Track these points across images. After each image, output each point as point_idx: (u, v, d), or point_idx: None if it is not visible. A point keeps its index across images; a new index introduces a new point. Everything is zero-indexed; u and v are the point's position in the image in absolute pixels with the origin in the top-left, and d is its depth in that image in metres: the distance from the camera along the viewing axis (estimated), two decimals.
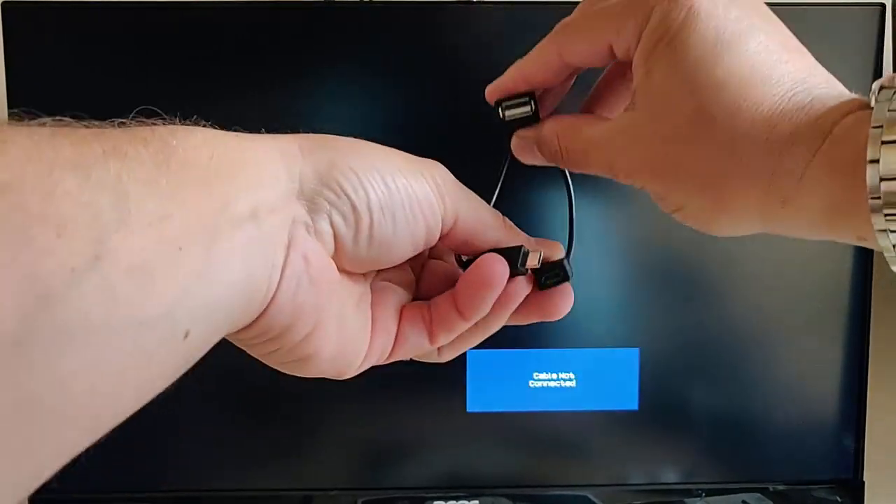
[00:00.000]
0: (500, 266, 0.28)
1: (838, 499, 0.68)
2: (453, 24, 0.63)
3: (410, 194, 0.27)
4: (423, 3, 0.64)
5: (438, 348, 0.31)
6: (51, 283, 0.17)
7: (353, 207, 0.26)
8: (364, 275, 0.30)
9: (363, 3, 0.65)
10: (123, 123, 0.23)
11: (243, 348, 0.27)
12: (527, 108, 0.31)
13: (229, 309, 0.23)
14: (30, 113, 0.22)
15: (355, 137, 0.28)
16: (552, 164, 0.32)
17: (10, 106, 0.62)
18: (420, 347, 0.30)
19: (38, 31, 0.61)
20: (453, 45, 0.63)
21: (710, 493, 0.68)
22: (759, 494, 0.68)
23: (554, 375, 0.66)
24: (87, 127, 0.22)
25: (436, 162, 0.29)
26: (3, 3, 0.61)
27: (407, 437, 0.67)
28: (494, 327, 0.30)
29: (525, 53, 0.31)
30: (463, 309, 0.29)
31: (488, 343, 0.64)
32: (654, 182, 0.27)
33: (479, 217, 0.30)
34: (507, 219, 0.31)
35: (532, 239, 0.31)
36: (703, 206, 0.26)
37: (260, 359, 0.28)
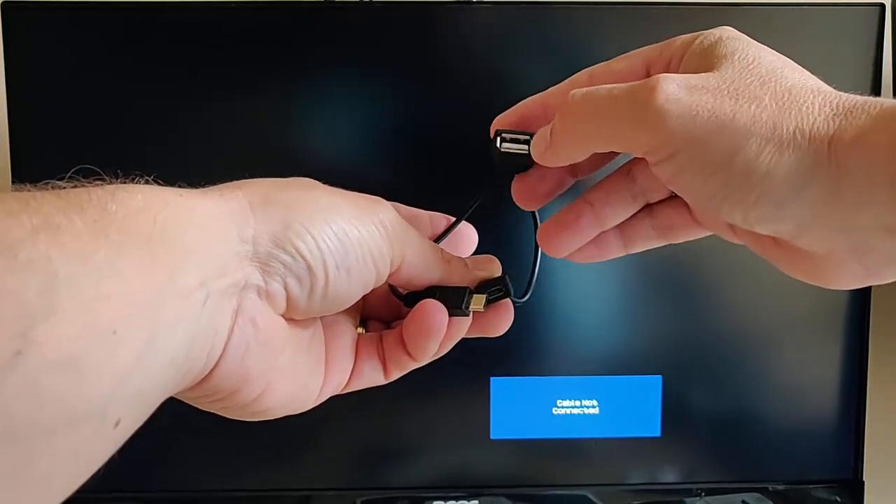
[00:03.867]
0: (440, 315, 0.29)
1: (838, 499, 0.68)
2: (453, 24, 0.63)
3: (363, 245, 0.26)
4: (423, 3, 0.64)
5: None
6: None
7: (310, 269, 0.25)
8: None
9: (363, 3, 0.65)
10: (58, 186, 0.21)
11: (190, 403, 0.26)
12: (525, 147, 0.29)
13: (165, 386, 0.22)
14: None
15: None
16: (559, 160, 0.29)
17: (9, 105, 0.62)
18: (375, 381, 0.31)
19: (38, 31, 0.61)
20: (453, 45, 0.63)
21: (709, 493, 0.68)
22: (758, 494, 0.68)
23: (577, 402, 0.66)
24: (18, 191, 0.20)
25: (381, 200, 0.29)
26: (3, 3, 0.61)
27: (406, 437, 0.67)
28: (441, 354, 0.31)
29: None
30: (412, 353, 0.30)
31: (511, 371, 0.66)
32: (726, 115, 0.23)
33: (423, 257, 0.29)
34: (445, 251, 0.31)
35: (469, 261, 0.32)
36: (761, 152, 0.22)
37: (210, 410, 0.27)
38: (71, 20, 0.62)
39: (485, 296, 0.30)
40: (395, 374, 0.31)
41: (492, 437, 0.66)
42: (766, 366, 0.67)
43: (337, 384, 0.30)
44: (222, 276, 0.23)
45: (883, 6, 0.62)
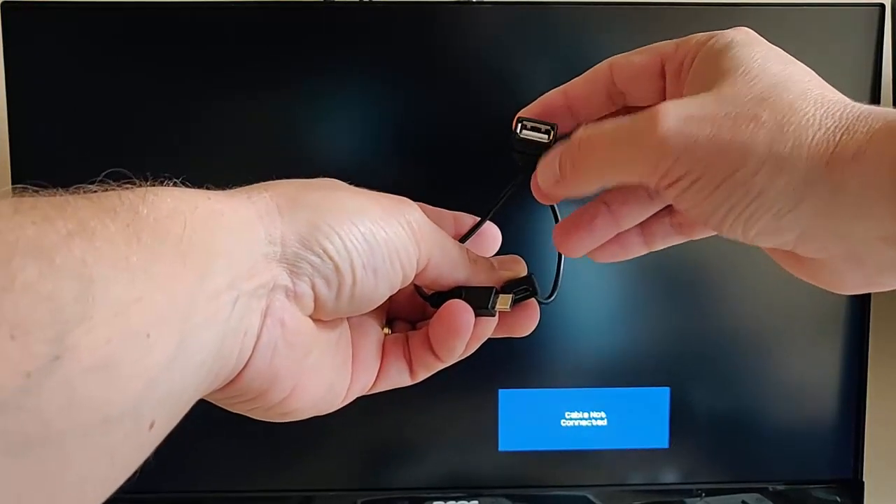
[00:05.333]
0: (466, 315, 0.29)
1: (838, 499, 0.68)
2: (453, 24, 0.63)
3: (390, 246, 0.27)
4: (423, 3, 0.64)
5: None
6: (0, 393, 0.16)
7: (337, 269, 0.25)
8: None
9: (363, 3, 0.65)
10: (89, 190, 0.22)
11: (219, 405, 0.27)
12: (545, 136, 0.29)
13: (196, 388, 0.22)
14: None
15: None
16: (570, 194, 0.29)
17: (9, 106, 0.62)
18: (401, 382, 0.31)
19: (38, 31, 0.61)
20: (453, 45, 0.63)
21: (709, 493, 0.68)
22: (758, 494, 0.68)
23: (585, 414, 0.66)
24: (52, 196, 0.20)
25: (408, 201, 0.29)
26: (3, 3, 0.61)
27: (415, 450, 0.67)
28: (467, 354, 0.31)
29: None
30: (438, 353, 0.30)
31: (520, 383, 0.66)
32: (725, 133, 0.24)
33: (449, 257, 0.29)
34: (471, 251, 0.31)
35: (495, 261, 0.32)
36: (761, 167, 0.23)
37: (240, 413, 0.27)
38: (71, 20, 0.62)
39: (511, 296, 0.30)
40: (422, 375, 0.31)
41: (500, 449, 0.66)
42: (766, 366, 0.67)
43: (363, 385, 0.30)
44: (251, 278, 0.23)
45: (883, 6, 0.62)
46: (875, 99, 0.62)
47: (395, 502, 0.67)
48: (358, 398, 0.31)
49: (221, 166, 0.63)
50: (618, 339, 0.67)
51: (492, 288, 0.30)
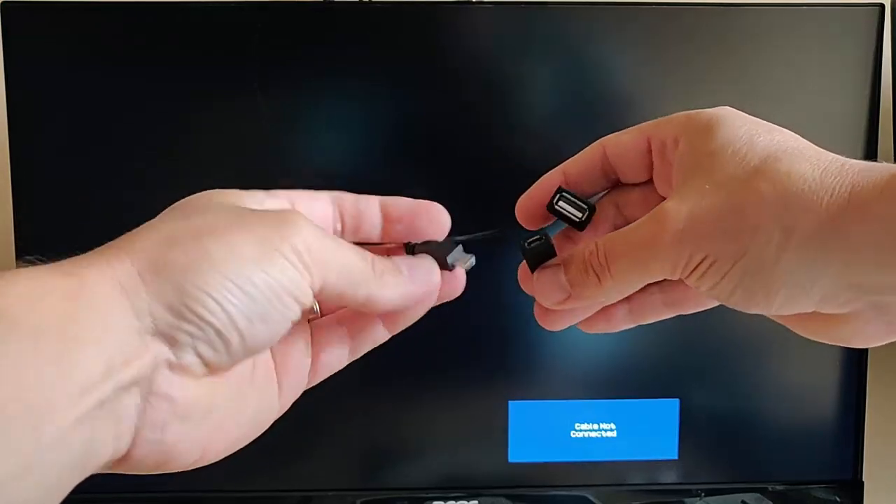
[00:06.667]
0: (436, 277, 0.29)
1: (837, 499, 0.68)
2: (453, 24, 0.63)
3: (274, 287, 0.24)
4: (423, 3, 0.64)
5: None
6: None
7: (218, 332, 0.23)
8: None
9: (363, 3, 0.65)
10: None
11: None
12: (580, 213, 0.30)
13: (60, 489, 0.20)
14: None
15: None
16: (575, 305, 0.30)
17: (9, 106, 0.62)
18: (341, 365, 0.30)
19: (38, 31, 0.61)
20: (453, 45, 0.63)
21: (709, 493, 0.68)
22: (758, 494, 0.68)
23: (595, 426, 0.67)
24: None
25: (293, 216, 0.25)
26: (3, 3, 0.61)
27: (415, 448, 0.66)
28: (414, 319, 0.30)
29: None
30: (389, 327, 0.29)
31: (530, 394, 0.66)
32: (728, 215, 0.25)
33: (347, 271, 0.26)
34: (373, 256, 0.28)
35: (404, 263, 0.29)
36: (771, 239, 0.24)
37: None
38: (71, 20, 0.62)
39: (471, 257, 0.30)
40: (365, 349, 0.30)
41: (510, 460, 0.66)
42: (770, 371, 0.67)
43: (297, 387, 0.29)
44: (128, 362, 0.21)
45: (883, 6, 0.62)
46: (875, 99, 0.62)
47: (394, 502, 0.67)
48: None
49: (222, 166, 0.63)
50: (627, 351, 0.67)
51: (456, 245, 0.29)
